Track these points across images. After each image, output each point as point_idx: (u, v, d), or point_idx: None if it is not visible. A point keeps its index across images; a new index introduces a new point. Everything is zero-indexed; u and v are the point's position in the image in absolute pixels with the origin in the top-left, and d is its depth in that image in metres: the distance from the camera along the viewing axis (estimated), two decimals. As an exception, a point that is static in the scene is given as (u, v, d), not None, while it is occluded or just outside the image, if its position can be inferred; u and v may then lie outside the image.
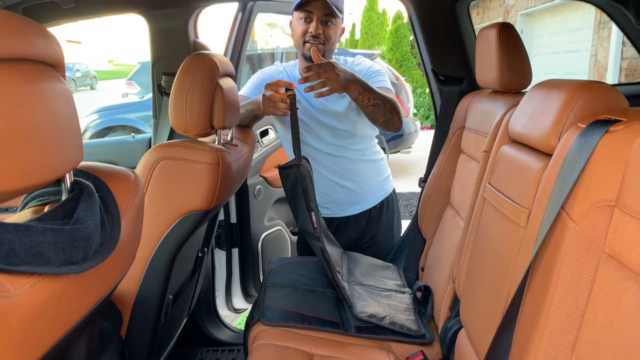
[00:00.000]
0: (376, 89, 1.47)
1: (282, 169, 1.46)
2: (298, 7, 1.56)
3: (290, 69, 1.75)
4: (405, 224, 1.91)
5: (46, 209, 0.68)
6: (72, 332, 0.63)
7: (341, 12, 1.59)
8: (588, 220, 0.70)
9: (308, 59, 1.58)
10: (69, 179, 0.64)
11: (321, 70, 1.35)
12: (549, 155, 0.86)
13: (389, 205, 1.83)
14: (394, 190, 1.87)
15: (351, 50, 6.52)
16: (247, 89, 1.73)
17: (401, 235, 1.90)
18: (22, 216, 0.66)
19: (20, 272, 0.50)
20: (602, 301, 0.67)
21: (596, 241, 0.69)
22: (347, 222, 1.80)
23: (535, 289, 0.78)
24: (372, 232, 1.81)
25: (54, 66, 0.62)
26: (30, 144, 0.52)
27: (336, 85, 1.36)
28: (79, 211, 0.61)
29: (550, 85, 0.95)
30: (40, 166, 0.54)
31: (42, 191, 0.68)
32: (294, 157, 1.52)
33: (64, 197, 0.64)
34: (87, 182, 0.67)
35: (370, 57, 5.90)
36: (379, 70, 1.68)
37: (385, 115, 1.49)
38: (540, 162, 0.89)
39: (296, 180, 1.42)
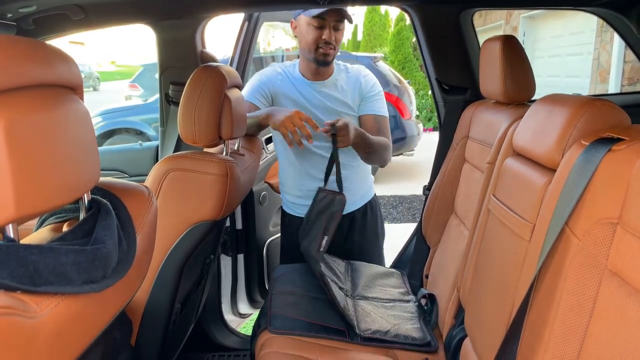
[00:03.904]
0: (372, 140, 1.61)
1: (321, 190, 1.54)
2: (314, 16, 1.58)
3: (289, 70, 1.75)
4: (406, 227, 1.92)
5: (64, 226, 0.70)
6: (90, 346, 0.65)
7: (350, 17, 1.62)
8: (591, 237, 0.71)
9: (320, 63, 1.64)
10: (86, 197, 0.66)
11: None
12: (552, 170, 0.88)
13: (372, 209, 1.85)
14: (375, 195, 1.90)
15: (353, 53, 6.51)
16: (246, 93, 1.71)
17: (403, 239, 1.92)
18: (41, 234, 0.68)
19: (45, 292, 0.52)
20: (605, 316, 0.68)
21: (599, 257, 0.70)
22: None
23: (540, 302, 0.79)
24: (357, 237, 1.82)
25: (74, 89, 0.64)
26: (52, 168, 0.55)
27: (346, 144, 1.53)
28: (98, 230, 0.63)
29: (553, 101, 0.97)
30: (61, 188, 0.56)
31: (60, 209, 0.71)
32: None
33: (82, 216, 0.66)
34: (104, 201, 0.69)
35: (373, 60, 5.92)
36: (379, 92, 1.73)
37: (373, 160, 1.72)
38: (544, 177, 0.90)
39: (328, 206, 1.47)
